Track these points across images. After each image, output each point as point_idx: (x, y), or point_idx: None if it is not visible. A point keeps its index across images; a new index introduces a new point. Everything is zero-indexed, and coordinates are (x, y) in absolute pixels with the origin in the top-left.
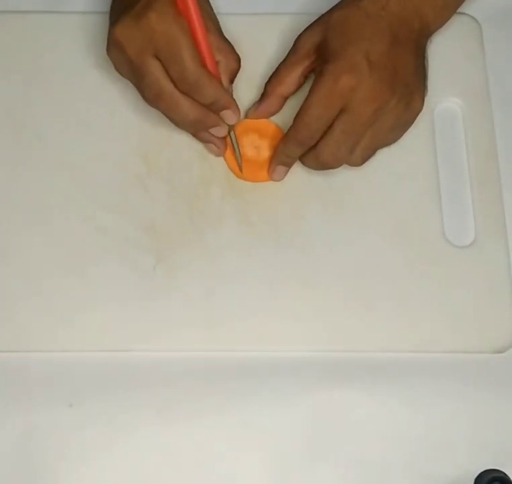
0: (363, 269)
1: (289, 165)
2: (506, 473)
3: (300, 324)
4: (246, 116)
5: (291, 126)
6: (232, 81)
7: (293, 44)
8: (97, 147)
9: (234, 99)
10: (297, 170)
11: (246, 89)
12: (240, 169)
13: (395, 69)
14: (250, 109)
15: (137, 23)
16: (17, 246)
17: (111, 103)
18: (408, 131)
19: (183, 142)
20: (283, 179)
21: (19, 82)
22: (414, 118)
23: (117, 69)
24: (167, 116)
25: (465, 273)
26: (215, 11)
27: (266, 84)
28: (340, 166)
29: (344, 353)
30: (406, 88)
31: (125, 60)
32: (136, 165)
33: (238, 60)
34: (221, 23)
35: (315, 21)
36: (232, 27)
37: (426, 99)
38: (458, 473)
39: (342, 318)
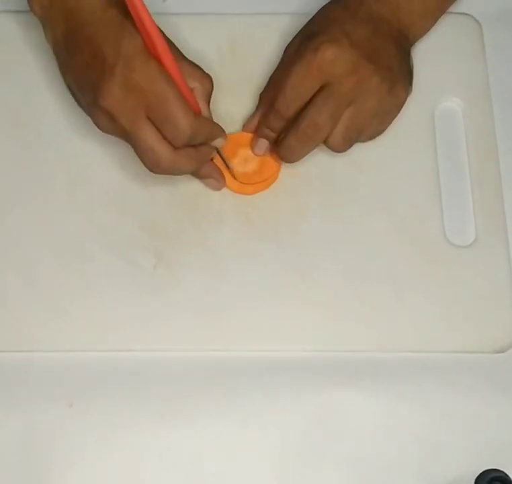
0: (363, 269)
1: (270, 139)
2: (507, 473)
3: (300, 324)
4: (243, 129)
5: (272, 98)
6: (208, 103)
7: (283, 54)
8: (97, 147)
9: (219, 126)
10: (298, 170)
11: (245, 90)
12: (235, 177)
13: (376, 52)
14: (246, 122)
15: (124, 88)
16: (17, 246)
17: None
18: (408, 131)
19: None
20: (264, 153)
21: (19, 82)
22: (398, 108)
23: (108, 133)
24: (166, 175)
25: (465, 273)
26: (215, 12)
27: (261, 94)
28: (321, 138)
29: (344, 353)
30: (389, 71)
31: (117, 127)
32: (136, 165)
33: (211, 81)
34: (221, 24)
35: (300, 30)
36: (231, 27)
37: (426, 99)
38: (458, 473)
39: (342, 318)
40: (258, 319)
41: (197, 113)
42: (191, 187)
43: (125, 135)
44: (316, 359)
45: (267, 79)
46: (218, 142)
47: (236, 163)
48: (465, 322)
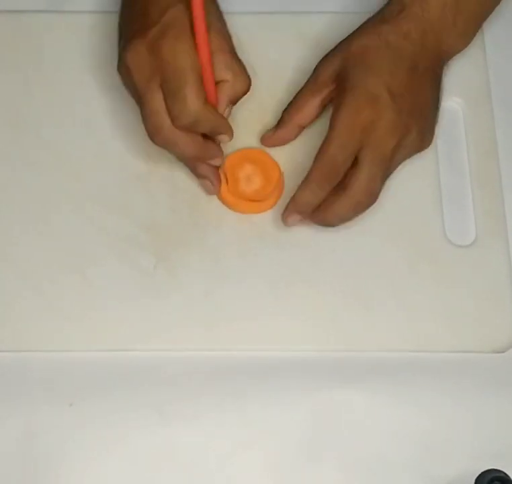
0: (363, 269)
1: (306, 214)
2: (507, 473)
3: (300, 324)
4: (261, 142)
5: (312, 166)
6: (233, 102)
7: (313, 72)
8: (98, 147)
9: (228, 123)
10: (299, 170)
11: None
12: (227, 182)
13: (414, 100)
14: (265, 134)
15: (149, 50)
16: (17, 246)
17: (112, 102)
18: None
19: None
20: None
21: (19, 82)
22: (422, 151)
23: (125, 87)
24: (165, 149)
25: (465, 273)
26: None
27: (283, 111)
28: (373, 204)
29: (344, 353)
30: (425, 121)
31: (131, 84)
32: (136, 165)
33: (247, 83)
34: None
35: (334, 49)
36: (232, 27)
37: None
38: (459, 473)
39: (342, 318)
40: (258, 319)
41: (209, 102)
42: (191, 187)
43: (136, 94)
44: (316, 359)
45: (267, 79)
46: (223, 138)
47: (241, 178)
48: (465, 322)
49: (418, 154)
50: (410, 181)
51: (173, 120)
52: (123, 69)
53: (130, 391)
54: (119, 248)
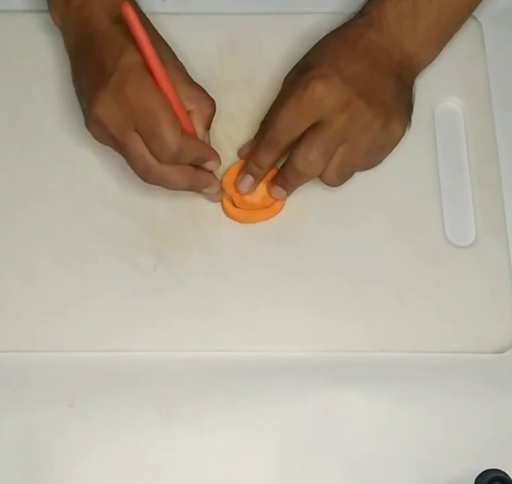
0: (363, 269)
1: (256, 176)
2: (507, 473)
3: (300, 324)
4: (238, 154)
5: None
6: (208, 127)
7: (282, 86)
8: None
9: (212, 149)
10: None
11: (246, 90)
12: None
13: (370, 88)
14: (242, 148)
15: (115, 100)
16: (17, 246)
17: None
18: (409, 130)
19: None
20: (248, 191)
21: (19, 82)
22: (394, 144)
23: (99, 141)
24: (159, 186)
25: (465, 273)
26: (215, 12)
27: (261, 123)
28: (314, 174)
29: (344, 354)
30: (383, 107)
31: (108, 136)
32: None
33: (212, 104)
34: (221, 23)
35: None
36: (231, 27)
37: (426, 99)
38: (459, 473)
39: (342, 318)
40: (258, 320)
41: (187, 132)
42: None
43: (116, 144)
44: (316, 359)
45: (267, 79)
46: (210, 165)
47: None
48: (465, 322)
49: (417, 153)
50: (410, 181)
51: (157, 158)
52: (96, 124)
53: (129, 391)
54: (119, 248)
